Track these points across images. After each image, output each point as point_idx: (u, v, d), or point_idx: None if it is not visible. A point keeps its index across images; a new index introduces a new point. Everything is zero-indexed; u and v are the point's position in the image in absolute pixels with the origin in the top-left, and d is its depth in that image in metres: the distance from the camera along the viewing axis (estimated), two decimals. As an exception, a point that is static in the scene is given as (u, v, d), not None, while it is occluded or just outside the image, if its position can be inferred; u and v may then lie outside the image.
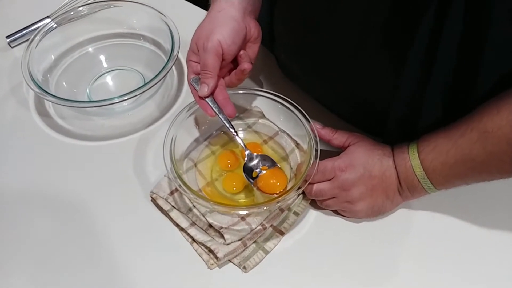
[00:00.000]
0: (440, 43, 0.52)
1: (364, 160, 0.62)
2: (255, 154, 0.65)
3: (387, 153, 0.62)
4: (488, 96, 0.54)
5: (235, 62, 0.67)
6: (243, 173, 0.64)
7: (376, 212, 0.63)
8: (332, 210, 0.65)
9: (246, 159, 0.64)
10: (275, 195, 0.61)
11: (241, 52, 0.66)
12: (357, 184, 0.61)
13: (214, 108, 0.64)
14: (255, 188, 0.63)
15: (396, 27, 0.54)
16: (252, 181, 0.63)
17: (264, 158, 0.65)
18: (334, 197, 0.63)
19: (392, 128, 0.65)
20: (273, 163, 0.65)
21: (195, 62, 0.67)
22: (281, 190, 0.62)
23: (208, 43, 0.63)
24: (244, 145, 0.65)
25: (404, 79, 0.57)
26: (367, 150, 0.63)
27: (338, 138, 0.65)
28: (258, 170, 0.64)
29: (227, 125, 0.64)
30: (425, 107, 0.59)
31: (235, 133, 0.64)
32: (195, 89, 0.66)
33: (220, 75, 0.66)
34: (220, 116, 0.64)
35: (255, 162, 0.65)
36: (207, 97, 0.64)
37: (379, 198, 0.62)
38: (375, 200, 0.62)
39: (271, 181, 0.63)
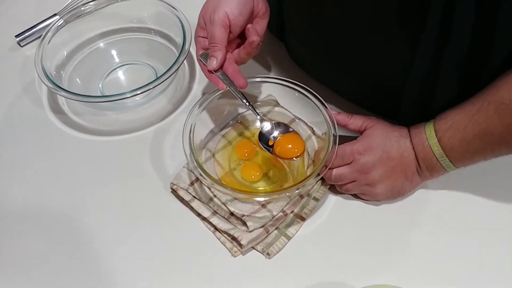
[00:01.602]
0: (453, 19, 0.52)
1: (382, 142, 0.62)
2: (269, 122, 0.65)
3: (404, 134, 0.62)
4: (502, 71, 0.54)
5: (243, 39, 0.67)
6: (259, 143, 0.64)
7: (396, 194, 0.64)
8: (352, 194, 0.66)
9: (261, 128, 0.64)
10: (294, 159, 0.62)
11: (249, 26, 0.66)
12: (376, 167, 0.61)
13: (224, 81, 0.64)
14: (274, 157, 0.63)
15: (409, 5, 0.54)
16: (269, 149, 0.63)
17: (278, 124, 0.65)
18: (353, 181, 0.63)
19: (407, 109, 0.65)
20: (287, 128, 0.64)
21: (203, 37, 0.67)
22: (299, 154, 0.62)
23: (214, 15, 0.63)
24: (258, 114, 0.65)
25: (418, 57, 0.57)
26: (384, 132, 0.63)
27: (354, 122, 0.66)
28: (273, 137, 0.64)
29: (239, 96, 0.64)
30: (440, 86, 0.60)
31: (248, 104, 0.64)
32: (204, 64, 0.65)
33: (228, 49, 0.66)
34: (232, 89, 0.64)
35: (269, 129, 0.64)
36: (216, 70, 0.64)
37: (398, 179, 0.62)
38: (394, 181, 0.62)
39: (288, 146, 0.63)
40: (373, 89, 0.69)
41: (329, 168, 0.62)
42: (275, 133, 0.64)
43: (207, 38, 0.65)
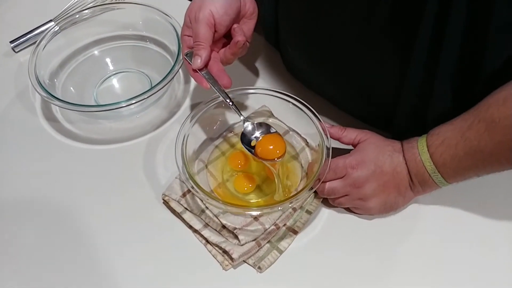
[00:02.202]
0: (446, 28, 0.52)
1: (375, 157, 0.62)
2: (251, 123, 0.64)
3: (397, 149, 0.62)
4: (496, 79, 0.54)
5: (230, 39, 0.66)
6: (242, 145, 0.63)
7: (388, 208, 0.63)
8: (345, 208, 0.65)
9: (243, 129, 0.64)
10: (276, 160, 0.61)
11: (235, 26, 0.65)
12: (369, 181, 0.61)
13: (209, 80, 0.63)
14: (256, 158, 0.63)
15: (400, 14, 0.54)
16: (252, 150, 0.63)
17: (260, 125, 0.64)
18: (346, 195, 0.63)
19: (401, 121, 0.65)
20: (268, 129, 0.64)
21: (188, 36, 0.66)
22: (280, 156, 0.61)
23: (199, 14, 0.62)
24: (241, 114, 0.64)
25: (412, 66, 0.57)
26: (378, 147, 0.63)
27: (347, 135, 0.65)
28: (255, 137, 0.64)
29: (223, 96, 0.63)
30: (434, 96, 0.59)
31: (231, 103, 0.63)
32: (189, 63, 0.65)
33: (214, 49, 0.65)
34: (215, 88, 0.63)
35: (251, 130, 0.64)
36: (201, 69, 0.64)
37: (391, 194, 0.62)
38: (387, 196, 0.62)
39: (269, 147, 0.63)
40: (367, 100, 0.69)
41: (322, 182, 0.61)
42: (257, 134, 0.64)
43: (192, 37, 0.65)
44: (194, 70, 0.64)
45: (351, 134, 0.65)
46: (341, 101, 0.74)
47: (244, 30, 0.66)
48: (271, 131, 0.64)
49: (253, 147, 0.63)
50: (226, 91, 0.64)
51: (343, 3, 0.59)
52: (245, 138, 0.64)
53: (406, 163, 0.61)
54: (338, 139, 0.66)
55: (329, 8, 0.62)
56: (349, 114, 0.74)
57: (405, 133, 0.64)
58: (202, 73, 0.64)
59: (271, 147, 0.63)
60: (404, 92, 0.61)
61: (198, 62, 0.63)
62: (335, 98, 0.74)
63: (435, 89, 0.59)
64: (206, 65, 0.64)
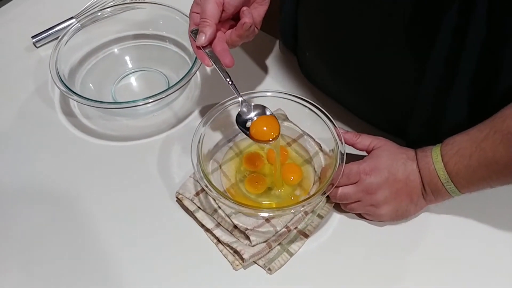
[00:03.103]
0: (464, 40, 0.52)
1: (389, 164, 0.62)
2: (249, 104, 0.64)
3: (411, 157, 0.62)
4: (511, 95, 0.55)
5: (238, 22, 0.65)
6: (237, 127, 0.63)
7: (400, 216, 0.64)
8: (356, 214, 0.66)
9: (240, 109, 0.64)
10: (270, 142, 0.62)
11: (244, 8, 0.64)
12: (381, 188, 0.61)
13: (211, 58, 0.63)
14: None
15: (419, 24, 0.55)
16: (247, 132, 0.63)
17: (257, 107, 0.64)
18: (358, 201, 0.63)
19: (415, 129, 0.66)
20: (264, 111, 0.64)
21: (197, 13, 0.66)
22: (274, 137, 0.62)
23: None
24: (240, 95, 0.64)
25: (429, 75, 0.58)
26: (392, 154, 0.63)
27: (362, 142, 0.66)
28: (250, 119, 0.64)
29: (224, 75, 0.63)
30: (449, 105, 0.60)
31: (230, 82, 0.63)
32: (194, 40, 0.64)
33: (221, 29, 0.65)
34: (217, 66, 0.63)
35: (247, 112, 0.64)
36: (204, 46, 0.63)
37: (403, 201, 0.62)
38: (399, 203, 0.62)
39: (263, 128, 0.63)
40: (382, 107, 0.69)
41: (335, 187, 0.62)
42: (252, 115, 0.64)
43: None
44: (198, 47, 0.64)
45: (366, 140, 0.65)
46: (356, 107, 0.74)
47: (254, 15, 0.65)
48: (267, 114, 0.64)
49: (248, 129, 0.63)
50: (241, 93, 0.64)
51: (363, 11, 0.60)
52: (240, 119, 0.64)
53: (419, 172, 0.61)
54: (352, 145, 0.66)
55: (349, 16, 0.62)
56: (363, 120, 0.75)
57: (419, 142, 0.64)
58: (206, 50, 0.63)
59: (265, 128, 0.63)
60: (419, 100, 0.62)
61: (202, 39, 0.62)
62: (350, 103, 0.75)
63: (450, 100, 0.59)
64: (210, 43, 0.64)
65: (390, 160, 0.63)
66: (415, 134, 0.66)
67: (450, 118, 0.61)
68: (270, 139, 0.62)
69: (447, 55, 0.54)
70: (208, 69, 0.84)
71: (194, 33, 0.65)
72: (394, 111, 0.68)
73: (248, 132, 0.63)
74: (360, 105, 0.73)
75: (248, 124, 0.63)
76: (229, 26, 0.67)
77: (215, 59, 0.63)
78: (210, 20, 0.62)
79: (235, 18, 0.66)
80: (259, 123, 0.63)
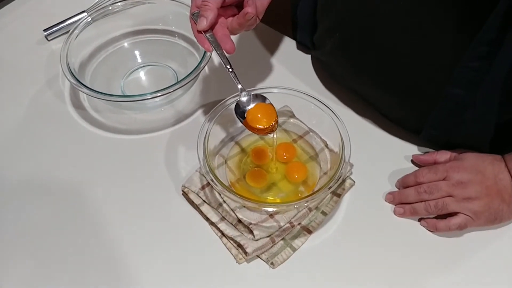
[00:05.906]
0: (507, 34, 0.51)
1: (475, 163, 0.63)
2: (248, 93, 0.64)
3: (498, 158, 0.63)
4: None
5: (241, 11, 0.64)
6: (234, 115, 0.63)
7: (493, 216, 0.62)
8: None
9: (239, 97, 0.64)
10: (266, 132, 0.62)
11: None
12: (472, 183, 0.62)
13: (212, 43, 0.62)
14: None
15: (471, 5, 0.53)
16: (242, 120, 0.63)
17: (256, 96, 0.64)
18: (451, 196, 0.63)
19: (435, 122, 0.66)
20: (263, 100, 0.64)
21: None
22: (270, 125, 0.61)
23: None
24: (240, 83, 0.63)
25: (464, 60, 0.57)
26: (477, 155, 0.64)
27: (442, 156, 0.67)
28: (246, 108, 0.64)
29: (224, 61, 0.62)
30: (479, 97, 0.59)
31: (230, 69, 0.63)
32: (195, 23, 0.63)
33: (223, 15, 0.64)
34: (217, 52, 0.62)
35: (246, 101, 0.64)
36: (205, 30, 0.62)
37: (495, 200, 0.61)
38: (491, 200, 0.61)
39: (258, 115, 0.63)
40: (408, 93, 0.67)
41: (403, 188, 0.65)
42: (252, 105, 0.64)
43: None
44: (199, 32, 0.62)
45: (445, 154, 0.67)
46: (378, 99, 0.74)
47: (257, 4, 0.63)
48: (266, 103, 0.64)
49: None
50: (248, 90, 0.64)
51: None
52: (238, 109, 0.64)
53: (509, 172, 0.61)
54: (434, 163, 0.67)
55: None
56: (381, 114, 0.75)
57: (433, 140, 0.64)
58: (207, 35, 0.62)
59: (259, 115, 0.62)
60: (445, 93, 0.61)
61: (203, 23, 0.61)
62: (372, 96, 0.74)
63: (480, 92, 0.58)
64: (212, 28, 0.63)
65: (477, 160, 0.63)
66: (433, 128, 0.67)
67: (471, 119, 0.61)
68: (266, 126, 0.62)
69: (493, 37, 0.53)
70: (216, 64, 0.84)
71: (195, 16, 0.64)
72: (419, 98, 0.66)
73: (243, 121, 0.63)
74: (383, 98, 0.72)
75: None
76: (231, 13, 0.66)
77: (216, 45, 0.62)
78: (211, 4, 0.61)
79: (238, 5, 0.65)
80: (255, 110, 0.63)
